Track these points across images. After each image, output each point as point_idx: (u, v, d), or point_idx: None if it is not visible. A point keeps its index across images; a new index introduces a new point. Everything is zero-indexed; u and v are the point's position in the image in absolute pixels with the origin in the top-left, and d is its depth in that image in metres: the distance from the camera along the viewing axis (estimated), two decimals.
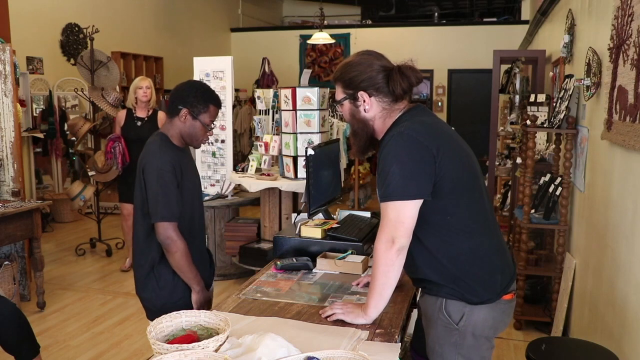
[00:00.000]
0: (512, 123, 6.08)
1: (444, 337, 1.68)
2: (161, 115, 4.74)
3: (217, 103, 2.14)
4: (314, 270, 2.20)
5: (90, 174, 5.46)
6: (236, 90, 8.36)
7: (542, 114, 4.15)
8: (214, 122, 2.18)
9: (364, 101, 1.70)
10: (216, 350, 1.42)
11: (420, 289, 1.85)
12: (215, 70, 4.95)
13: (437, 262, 1.66)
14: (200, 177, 2.53)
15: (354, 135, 1.80)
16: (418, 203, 1.58)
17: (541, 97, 4.35)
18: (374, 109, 1.71)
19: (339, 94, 1.76)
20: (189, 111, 2.09)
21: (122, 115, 4.76)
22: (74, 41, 7.30)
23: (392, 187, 1.57)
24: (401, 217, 1.57)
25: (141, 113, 4.71)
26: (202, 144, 2.22)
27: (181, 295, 2.16)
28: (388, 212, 1.59)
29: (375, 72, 1.68)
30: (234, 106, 6.47)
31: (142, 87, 4.65)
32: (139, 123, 4.67)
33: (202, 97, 2.10)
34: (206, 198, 4.75)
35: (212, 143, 5.02)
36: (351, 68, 1.71)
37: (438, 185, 1.59)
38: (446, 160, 1.59)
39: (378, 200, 1.69)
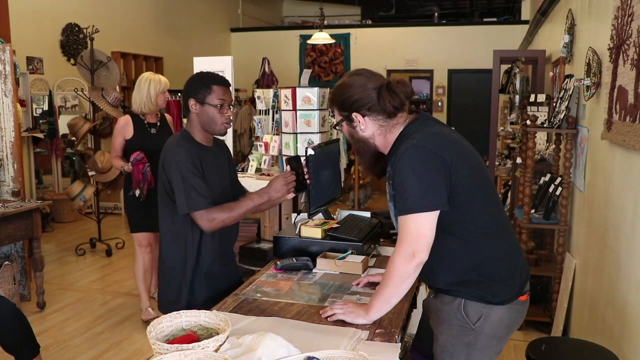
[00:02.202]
0: (512, 123, 6.08)
1: (458, 337, 1.69)
2: (168, 117, 4.06)
3: (218, 82, 2.10)
4: (314, 270, 2.20)
5: (90, 174, 5.47)
6: (236, 90, 8.36)
7: (542, 114, 4.15)
8: (224, 99, 2.08)
9: (359, 122, 1.73)
10: (216, 350, 1.42)
11: (429, 289, 1.85)
12: (215, 70, 4.94)
13: (459, 268, 1.67)
14: None
15: (358, 153, 1.83)
16: (437, 214, 1.58)
17: (541, 97, 4.35)
18: (370, 128, 1.73)
19: (337, 116, 1.80)
20: (195, 99, 2.08)
21: (126, 123, 3.74)
22: (74, 41, 7.30)
23: (411, 200, 1.57)
24: (422, 229, 1.57)
25: (153, 119, 3.82)
26: (225, 128, 2.12)
27: (205, 297, 2.12)
28: (409, 225, 1.58)
29: (367, 93, 1.70)
30: (234, 106, 6.46)
31: (165, 91, 3.75)
32: (153, 131, 3.79)
33: (201, 82, 2.08)
34: None
35: None
36: (343, 91, 1.74)
37: (454, 193, 1.60)
38: (460, 167, 1.60)
39: (390, 211, 1.71)
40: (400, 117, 1.72)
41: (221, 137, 2.26)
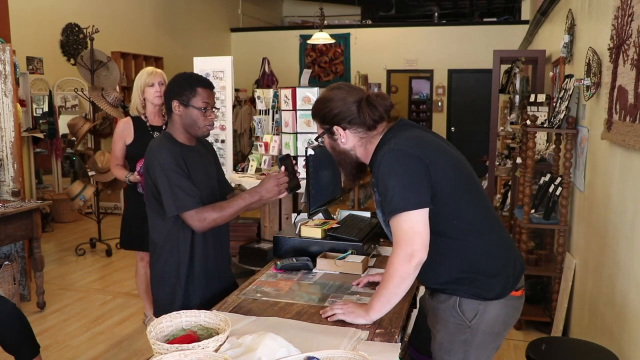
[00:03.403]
0: (512, 123, 6.08)
1: (455, 334, 1.70)
2: None
3: (203, 84, 2.08)
4: (314, 270, 2.20)
5: (90, 174, 5.47)
6: (236, 90, 8.36)
7: (542, 114, 4.15)
8: (208, 102, 2.07)
9: (340, 134, 1.76)
10: (216, 350, 1.42)
11: (426, 289, 1.86)
12: (215, 70, 4.94)
13: (452, 268, 1.68)
14: None
15: (339, 165, 1.86)
16: (426, 212, 1.59)
17: (541, 97, 4.35)
18: (351, 140, 1.77)
19: (319, 130, 1.83)
20: (179, 101, 2.05)
21: (126, 126, 3.33)
22: (74, 41, 7.30)
23: (395, 200, 1.58)
24: (416, 227, 1.58)
25: (156, 121, 3.36)
26: (207, 131, 2.12)
27: (200, 299, 2.11)
28: (401, 225, 1.59)
29: (347, 106, 1.73)
30: (234, 106, 6.45)
31: (154, 83, 3.28)
32: (156, 135, 3.25)
33: (186, 83, 2.06)
34: None
35: (212, 143, 4.98)
36: (324, 105, 1.77)
37: (437, 192, 1.62)
38: (438, 167, 1.62)
39: (379, 219, 1.71)
40: (380, 128, 1.75)
41: (210, 138, 2.24)
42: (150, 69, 3.39)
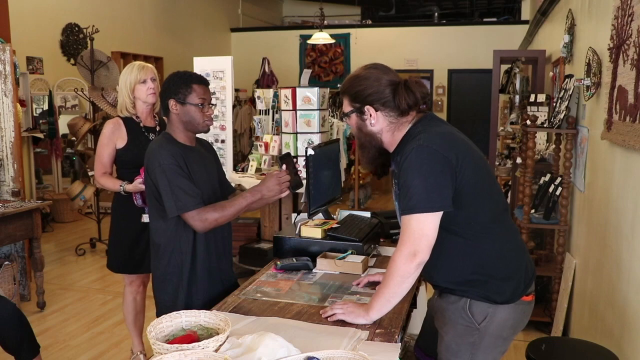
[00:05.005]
0: (512, 123, 6.08)
1: (463, 336, 1.69)
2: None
3: (198, 80, 2.08)
4: (314, 270, 2.20)
5: (90, 174, 5.47)
6: (236, 90, 8.36)
7: (542, 114, 4.15)
8: (205, 98, 2.07)
9: (370, 115, 1.71)
10: (216, 350, 1.42)
11: (433, 289, 1.86)
12: (215, 70, 4.94)
13: (464, 268, 1.67)
14: None
15: (361, 147, 1.81)
16: (440, 215, 1.59)
17: (541, 97, 4.35)
18: (381, 123, 1.72)
19: (346, 107, 1.77)
20: (176, 100, 2.05)
21: (116, 127, 2.85)
22: (74, 41, 7.30)
23: (415, 199, 1.57)
24: (425, 229, 1.57)
25: (150, 122, 2.93)
26: (207, 126, 2.11)
27: (202, 299, 2.11)
28: (412, 224, 1.58)
29: (382, 87, 1.69)
30: (234, 106, 6.45)
31: (146, 80, 2.83)
32: (152, 136, 2.89)
33: (181, 82, 2.06)
34: None
35: (212, 143, 4.99)
36: (358, 82, 1.72)
37: (459, 193, 1.60)
38: (465, 168, 1.60)
39: (396, 210, 1.70)
40: (410, 116, 1.72)
41: (210, 138, 2.23)
42: (139, 63, 2.92)
